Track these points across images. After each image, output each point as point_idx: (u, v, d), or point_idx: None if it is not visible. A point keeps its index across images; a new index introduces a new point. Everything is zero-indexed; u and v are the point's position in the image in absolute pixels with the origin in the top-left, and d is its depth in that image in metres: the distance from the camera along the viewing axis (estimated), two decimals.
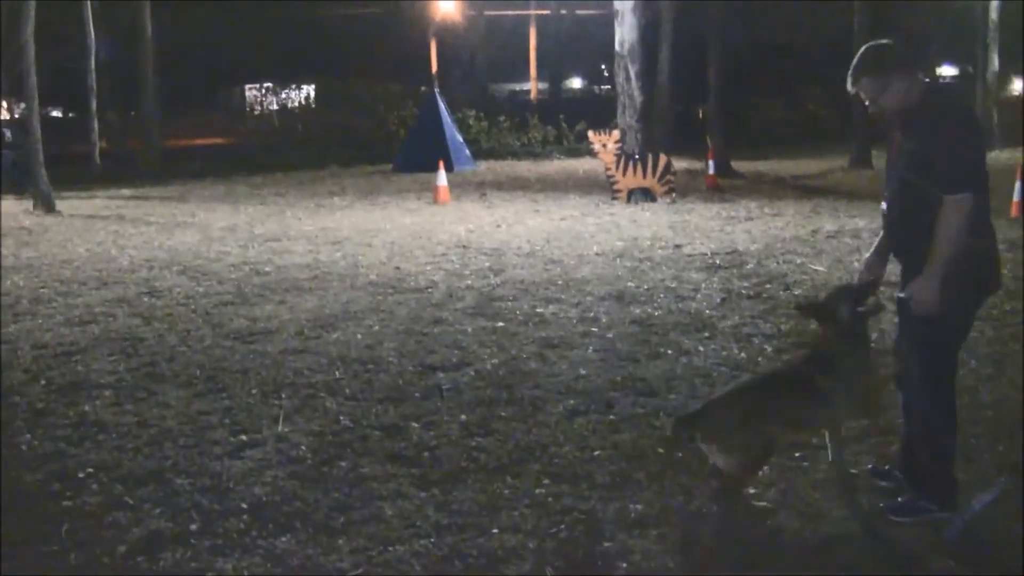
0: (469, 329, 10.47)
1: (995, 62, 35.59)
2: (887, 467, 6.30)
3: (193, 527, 5.91)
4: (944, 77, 61.67)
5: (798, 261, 13.69)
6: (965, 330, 5.95)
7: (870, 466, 6.45)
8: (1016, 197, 17.48)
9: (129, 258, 15.46)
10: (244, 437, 7.42)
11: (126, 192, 25.99)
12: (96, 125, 33.22)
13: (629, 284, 12.43)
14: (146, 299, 12.37)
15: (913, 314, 5.82)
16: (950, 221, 5.55)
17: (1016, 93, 45.25)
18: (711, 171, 24.63)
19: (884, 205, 6.09)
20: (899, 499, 5.93)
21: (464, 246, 15.82)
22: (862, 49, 5.92)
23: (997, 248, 5.94)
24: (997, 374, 8.49)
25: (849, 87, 5.90)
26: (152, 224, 19.54)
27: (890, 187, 5.99)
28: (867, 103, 5.86)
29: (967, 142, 5.71)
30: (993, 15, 35.32)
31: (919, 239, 5.70)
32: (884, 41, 5.91)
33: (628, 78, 23.38)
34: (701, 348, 9.46)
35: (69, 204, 23.31)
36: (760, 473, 6.14)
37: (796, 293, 11.67)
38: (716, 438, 5.85)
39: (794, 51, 46.28)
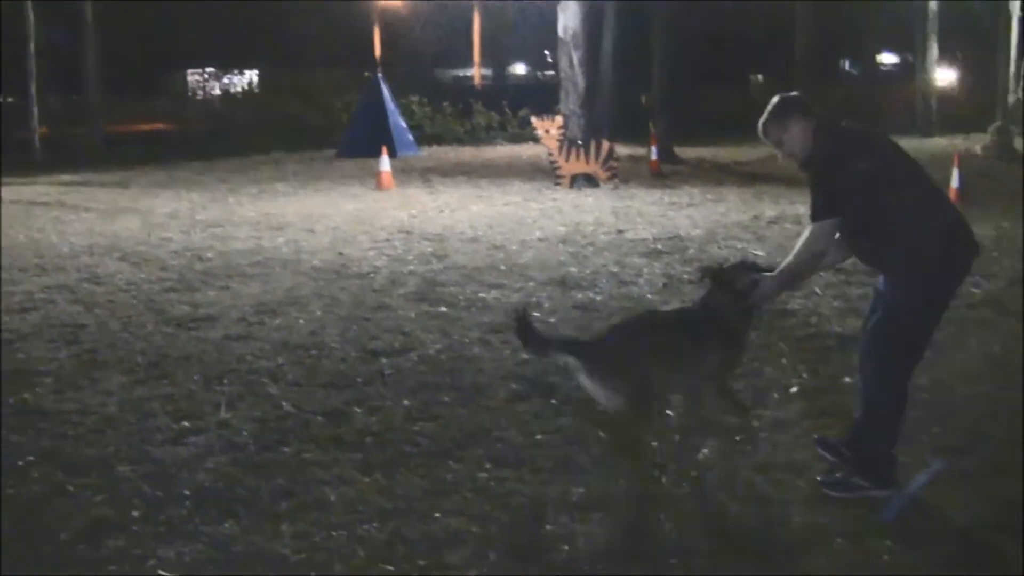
0: (412, 314, 10.48)
1: (934, 51, 35.90)
2: (835, 441, 6.36)
3: (135, 514, 5.90)
4: (885, 65, 62.17)
5: (739, 246, 13.80)
6: (933, 324, 6.15)
7: (817, 436, 6.56)
8: (954, 184, 17.67)
9: (70, 245, 15.34)
10: (186, 424, 7.41)
11: (67, 178, 25.74)
12: (36, 110, 32.83)
13: (571, 269, 12.49)
14: (87, 286, 12.29)
15: (883, 303, 6.10)
16: (806, 243, 6.15)
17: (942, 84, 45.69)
18: (654, 157, 24.71)
19: None
20: (837, 475, 6.04)
21: (407, 232, 15.82)
22: (771, 102, 6.30)
23: (959, 225, 6.28)
24: (935, 358, 8.58)
25: (760, 134, 6.35)
26: (93, 210, 19.38)
27: None
28: (781, 154, 6.37)
29: (830, 177, 6.09)
30: (932, 5, 35.63)
31: (880, 247, 6.03)
32: (790, 94, 6.34)
33: (571, 64, 23.42)
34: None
35: (9, 190, 23.05)
36: (649, 417, 6.34)
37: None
38: (596, 372, 6.00)
39: (738, 40, 46.52)
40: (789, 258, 6.18)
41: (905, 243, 5.92)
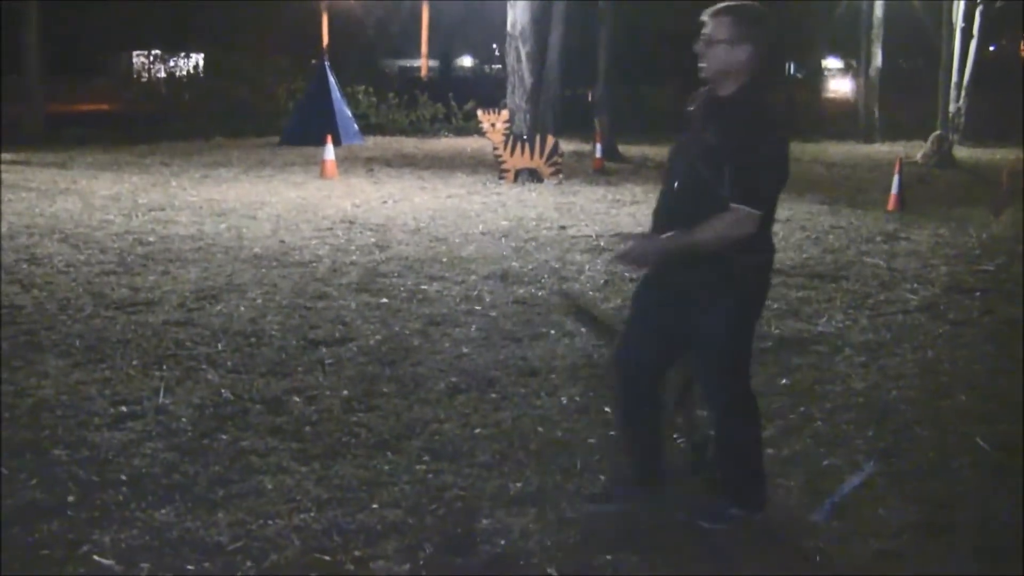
0: (353, 304, 10.48)
1: (878, 58, 36.25)
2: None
3: (70, 498, 5.86)
4: (830, 70, 62.68)
5: None
6: (748, 347, 5.64)
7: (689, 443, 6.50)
8: (894, 190, 17.87)
9: (8, 224, 15.18)
10: (124, 408, 7.37)
11: (6, 157, 25.44)
12: None
13: (513, 264, 12.52)
14: (25, 266, 12.18)
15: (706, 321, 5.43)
16: (727, 227, 5.13)
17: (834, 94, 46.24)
18: (598, 154, 24.81)
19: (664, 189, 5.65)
20: (709, 505, 5.77)
21: (350, 221, 15.79)
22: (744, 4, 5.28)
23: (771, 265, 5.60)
24: (869, 362, 8.71)
25: (705, 16, 5.26)
26: (33, 190, 19.19)
27: (675, 172, 5.52)
28: (702, 47, 5.28)
29: (770, 156, 5.20)
30: (878, 11, 35.96)
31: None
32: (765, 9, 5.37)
33: (519, 59, 23.41)
34: (583, 329, 9.57)
35: None
36: None
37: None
38: None
39: (685, 39, 46.70)
40: (700, 235, 5.17)
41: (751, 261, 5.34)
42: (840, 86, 54.51)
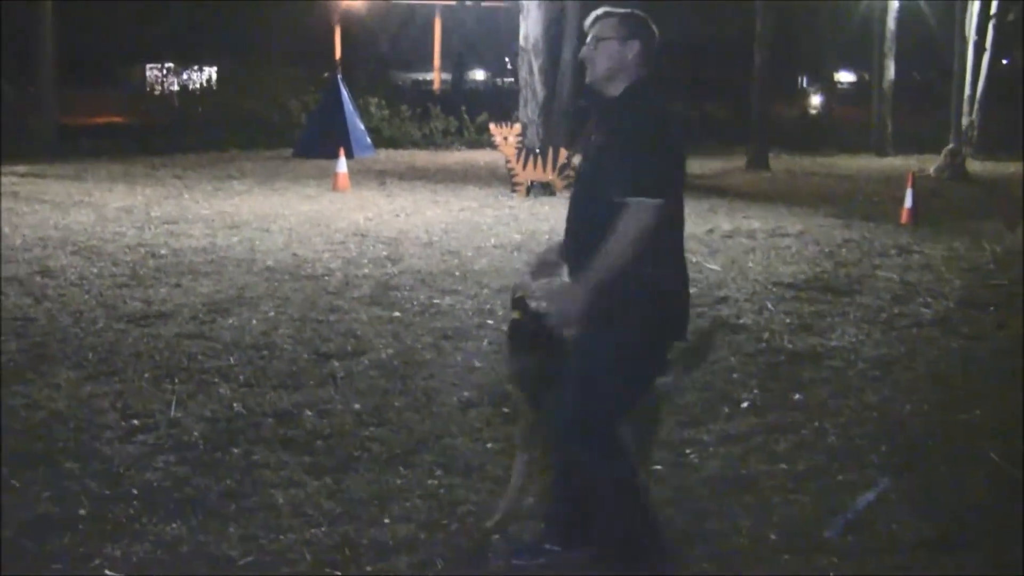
0: (365, 318, 10.47)
1: (891, 70, 36.22)
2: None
3: (82, 512, 5.86)
4: (842, 83, 62.66)
5: (693, 260, 13.83)
6: (636, 383, 5.07)
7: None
8: (907, 204, 17.84)
9: (22, 237, 15.20)
10: (136, 422, 7.37)
11: (21, 169, 25.50)
12: None
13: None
14: (38, 279, 12.19)
15: (567, 336, 5.10)
16: (628, 227, 4.70)
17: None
18: None
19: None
20: (529, 542, 5.50)
21: (362, 234, 15.79)
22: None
23: (687, 288, 5.29)
24: (883, 376, 8.68)
25: (587, 23, 5.09)
26: (47, 202, 19.22)
27: (579, 181, 5.39)
28: (589, 49, 5.04)
29: (661, 146, 4.88)
30: (891, 24, 35.94)
31: (593, 247, 4.83)
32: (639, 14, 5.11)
33: (531, 72, 23.44)
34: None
35: None
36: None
37: (691, 291, 11.77)
38: None
39: (694, 53, 46.70)
40: (606, 255, 4.73)
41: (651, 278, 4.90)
42: (852, 99, 54.35)
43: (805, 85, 60.26)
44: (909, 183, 18.13)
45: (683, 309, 5.21)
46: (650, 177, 4.77)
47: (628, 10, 5.08)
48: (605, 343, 4.92)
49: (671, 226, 4.95)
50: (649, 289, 4.88)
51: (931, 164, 28.09)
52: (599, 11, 5.08)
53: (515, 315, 5.42)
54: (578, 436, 4.93)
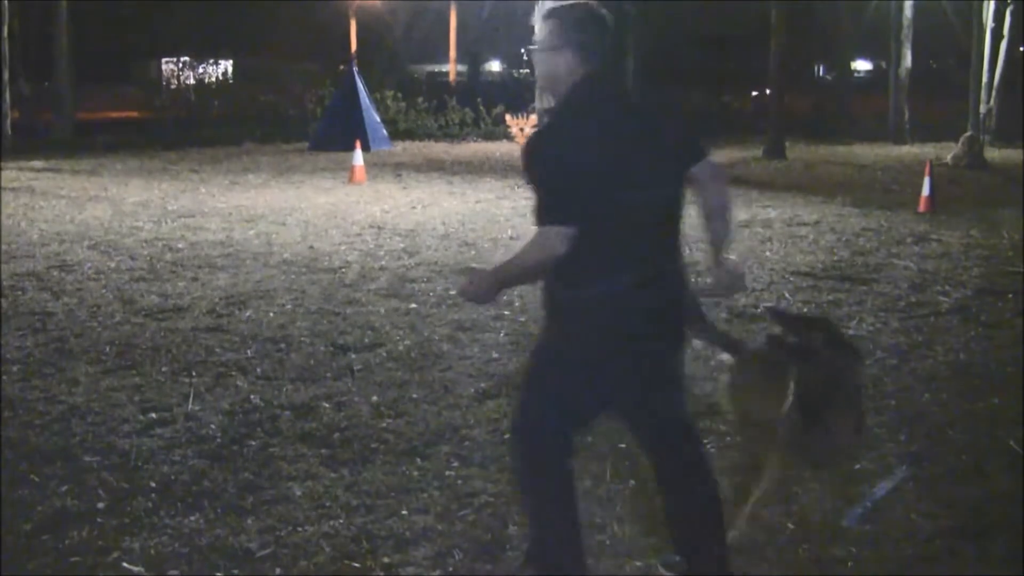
0: (382, 310, 10.47)
1: (908, 58, 36.07)
2: None
3: (100, 505, 5.88)
4: (859, 72, 62.47)
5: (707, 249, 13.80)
6: (575, 400, 4.69)
7: None
8: (925, 192, 17.77)
9: (39, 231, 15.26)
10: (154, 415, 7.38)
11: (37, 164, 25.61)
12: (8, 95, 32.61)
13: None
14: (56, 273, 12.23)
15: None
16: (531, 250, 4.54)
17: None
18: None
19: None
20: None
21: (379, 227, 15.80)
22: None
23: (662, 299, 4.69)
24: (901, 365, 8.65)
25: (535, 20, 4.79)
26: (63, 197, 19.29)
27: None
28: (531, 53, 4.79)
29: (568, 170, 4.48)
30: (907, 12, 35.80)
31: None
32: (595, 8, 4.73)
33: None
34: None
35: None
36: None
37: (708, 281, 11.76)
38: None
39: (713, 42, 46.68)
40: (512, 261, 4.64)
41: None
42: (869, 87, 54.19)
43: (822, 74, 60.17)
44: (927, 171, 18.06)
45: (650, 323, 4.61)
46: (553, 202, 4.51)
47: (570, 6, 4.70)
48: (546, 355, 4.80)
49: (608, 244, 4.52)
50: (588, 307, 4.55)
51: (948, 152, 27.97)
52: (546, 9, 4.73)
53: None
54: (513, 441, 4.87)
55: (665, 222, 4.68)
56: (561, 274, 4.55)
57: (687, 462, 4.85)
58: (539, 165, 4.55)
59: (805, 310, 10.45)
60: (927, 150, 30.19)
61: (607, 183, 4.46)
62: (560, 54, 4.64)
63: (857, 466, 6.43)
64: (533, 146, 4.58)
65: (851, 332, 9.63)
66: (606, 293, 4.50)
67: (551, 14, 4.71)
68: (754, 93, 45.20)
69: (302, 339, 9.38)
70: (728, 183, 4.97)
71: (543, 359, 4.81)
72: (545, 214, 4.50)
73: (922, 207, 17.65)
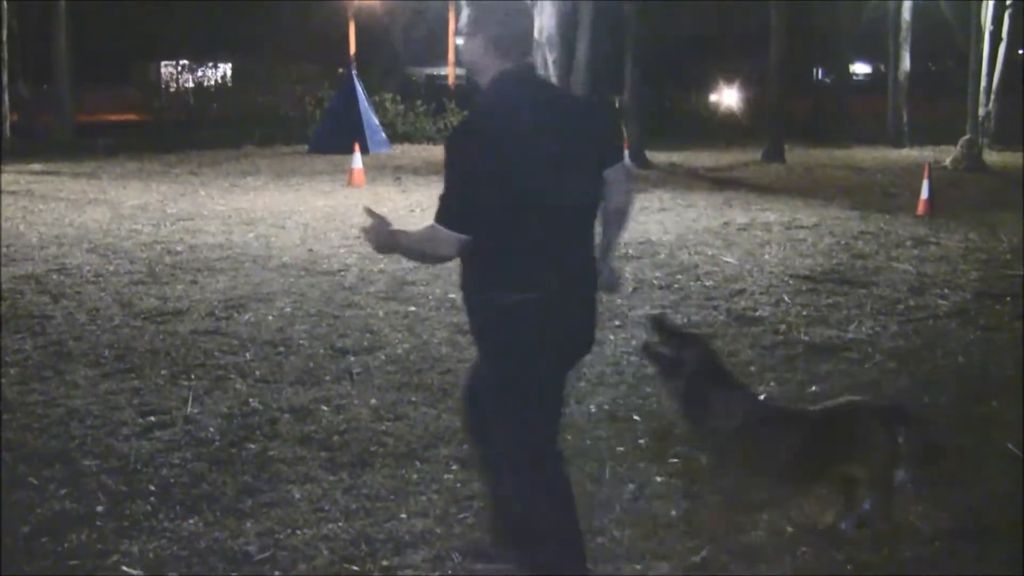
0: (381, 313, 10.48)
1: (906, 61, 36.10)
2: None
3: (99, 508, 5.88)
4: (857, 75, 62.49)
5: (709, 252, 13.83)
6: (513, 401, 4.68)
7: None
8: (924, 195, 17.78)
9: (38, 234, 15.26)
10: (153, 418, 7.39)
11: (36, 167, 25.61)
12: (7, 98, 32.61)
13: None
14: (55, 276, 12.23)
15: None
16: (421, 239, 4.68)
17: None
18: (626, 161, 24.77)
19: None
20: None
21: None
22: None
23: (573, 301, 4.65)
24: (900, 368, 8.66)
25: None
26: (62, 200, 19.29)
27: None
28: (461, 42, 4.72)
29: (465, 172, 4.48)
30: (906, 15, 35.83)
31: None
32: None
33: (546, 66, 23.43)
34: (612, 337, 9.54)
35: None
36: None
37: (707, 284, 11.80)
38: None
39: (712, 44, 46.69)
40: (407, 240, 4.78)
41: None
42: (868, 90, 54.21)
43: (821, 76, 60.18)
44: (925, 174, 18.08)
45: (562, 325, 4.60)
46: (447, 204, 4.51)
47: None
48: (482, 363, 4.86)
49: (508, 250, 4.50)
50: (499, 312, 4.55)
51: (947, 155, 28.01)
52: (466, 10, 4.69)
53: None
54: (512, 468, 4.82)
55: (580, 224, 4.67)
56: (471, 277, 4.61)
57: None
58: (451, 162, 4.50)
59: (804, 313, 10.45)
60: (926, 153, 30.22)
61: (519, 184, 4.43)
62: (475, 40, 4.60)
63: None
64: (450, 142, 4.58)
65: (849, 335, 9.64)
66: (524, 300, 4.49)
67: (466, 3, 4.68)
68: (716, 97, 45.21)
69: (301, 342, 9.39)
70: (635, 188, 4.98)
71: (482, 369, 4.86)
72: (442, 213, 4.50)
73: (921, 210, 17.67)
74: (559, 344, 4.64)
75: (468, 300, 4.74)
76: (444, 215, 4.48)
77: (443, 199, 4.51)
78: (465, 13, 4.64)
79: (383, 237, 4.77)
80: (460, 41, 4.71)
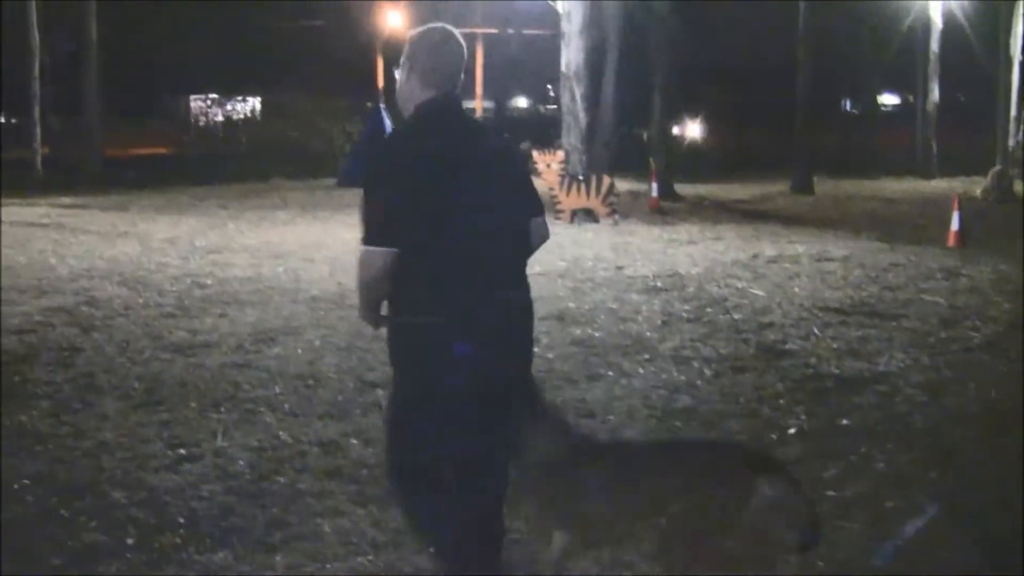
0: None
1: (935, 92, 36.05)
2: None
3: (129, 541, 5.88)
4: (886, 106, 62.31)
5: (738, 285, 13.79)
6: (419, 430, 4.75)
7: None
8: (954, 226, 17.71)
9: (69, 267, 15.33)
10: (182, 451, 7.39)
11: (67, 200, 25.76)
12: (38, 131, 32.82)
13: (570, 304, 12.48)
14: (85, 309, 12.27)
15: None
16: (358, 274, 4.67)
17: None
18: (654, 193, 24.80)
19: None
20: None
21: None
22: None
23: (493, 330, 4.64)
24: (931, 401, 8.60)
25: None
26: (92, 233, 19.39)
27: None
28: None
29: (392, 190, 4.57)
30: (934, 46, 35.79)
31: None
32: (444, 29, 4.88)
33: (573, 99, 23.45)
34: (641, 370, 9.52)
35: (9, 211, 23.02)
36: None
37: (736, 317, 11.76)
38: None
39: (739, 78, 46.66)
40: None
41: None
42: (896, 121, 54.11)
43: (849, 108, 60.08)
44: (955, 205, 18.01)
45: (484, 354, 4.60)
46: (367, 222, 4.58)
47: (418, 29, 4.87)
48: (392, 390, 4.95)
49: (439, 270, 4.56)
50: (415, 338, 4.63)
51: (977, 186, 27.93)
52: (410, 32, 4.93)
53: None
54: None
55: (497, 255, 4.66)
56: (391, 300, 4.64)
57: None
58: (369, 183, 4.63)
59: (834, 346, 10.41)
60: (955, 184, 30.12)
61: (433, 208, 4.49)
62: (407, 75, 4.76)
63: (888, 504, 6.40)
64: (370, 164, 4.71)
65: (880, 368, 9.59)
66: (428, 323, 4.54)
67: (411, 36, 4.83)
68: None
69: (330, 375, 9.39)
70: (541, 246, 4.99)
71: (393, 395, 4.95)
72: (367, 233, 4.56)
73: (951, 242, 17.60)
74: (463, 374, 4.59)
75: (389, 323, 4.76)
76: (369, 234, 4.55)
77: (365, 221, 4.59)
78: (405, 48, 4.79)
79: (359, 308, 4.84)
80: (398, 77, 4.85)
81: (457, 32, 4.85)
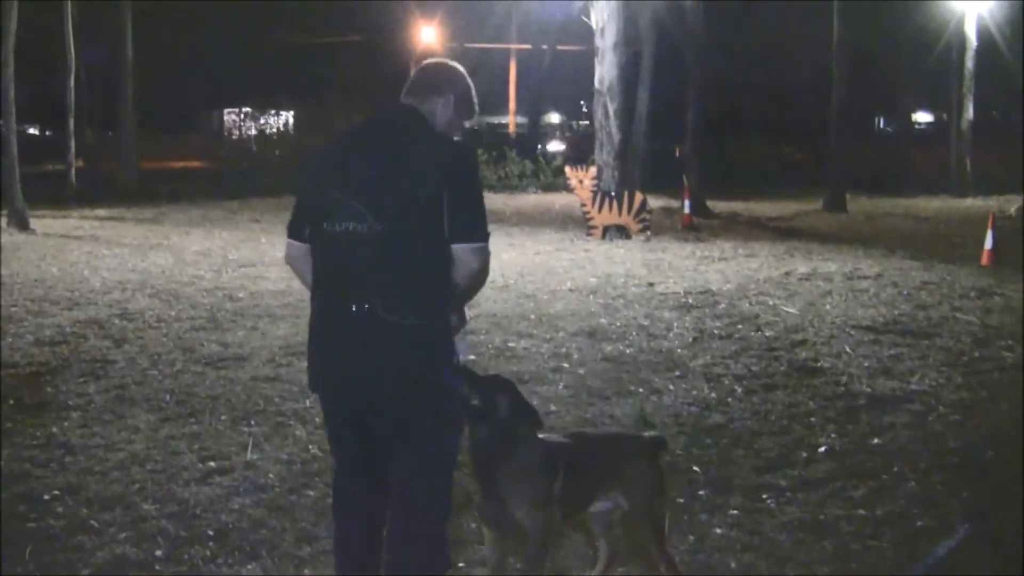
0: None
1: (970, 109, 35.90)
2: None
3: (158, 553, 5.90)
4: (919, 124, 62.09)
5: (771, 303, 13.74)
6: (332, 435, 5.01)
7: None
8: (988, 245, 17.61)
9: (102, 279, 15.42)
10: (212, 463, 7.41)
11: (101, 212, 25.92)
12: (73, 144, 33.03)
13: (602, 321, 12.46)
14: (117, 321, 12.34)
15: None
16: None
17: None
18: (686, 210, 24.73)
19: None
20: None
21: None
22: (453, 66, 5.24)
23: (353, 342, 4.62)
24: (964, 421, 8.55)
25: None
26: (126, 246, 19.50)
27: None
28: None
29: (303, 184, 4.88)
30: (969, 63, 35.66)
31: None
32: (444, 67, 5.23)
33: (607, 115, 23.46)
34: (672, 387, 9.49)
35: (43, 223, 23.22)
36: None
37: (768, 335, 11.71)
38: None
39: (773, 95, 46.59)
40: None
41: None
42: (931, 139, 53.91)
43: (883, 126, 59.92)
44: (990, 224, 17.91)
45: (329, 362, 4.77)
46: (293, 216, 4.76)
47: (450, 62, 5.25)
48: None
49: (325, 273, 4.65)
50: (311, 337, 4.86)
51: (1012, 205, 27.78)
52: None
53: None
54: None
55: (359, 270, 4.54)
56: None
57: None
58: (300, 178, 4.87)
59: (866, 364, 10.35)
60: (990, 202, 29.96)
61: (312, 210, 4.62)
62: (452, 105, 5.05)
63: (919, 524, 6.36)
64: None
65: (912, 387, 9.54)
66: (314, 323, 4.77)
67: (450, 68, 5.25)
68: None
69: None
70: (478, 276, 4.89)
71: None
72: (288, 225, 4.75)
73: (985, 260, 17.50)
74: (317, 383, 4.87)
75: None
76: (289, 225, 4.74)
77: (293, 211, 4.79)
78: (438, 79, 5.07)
79: None
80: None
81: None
